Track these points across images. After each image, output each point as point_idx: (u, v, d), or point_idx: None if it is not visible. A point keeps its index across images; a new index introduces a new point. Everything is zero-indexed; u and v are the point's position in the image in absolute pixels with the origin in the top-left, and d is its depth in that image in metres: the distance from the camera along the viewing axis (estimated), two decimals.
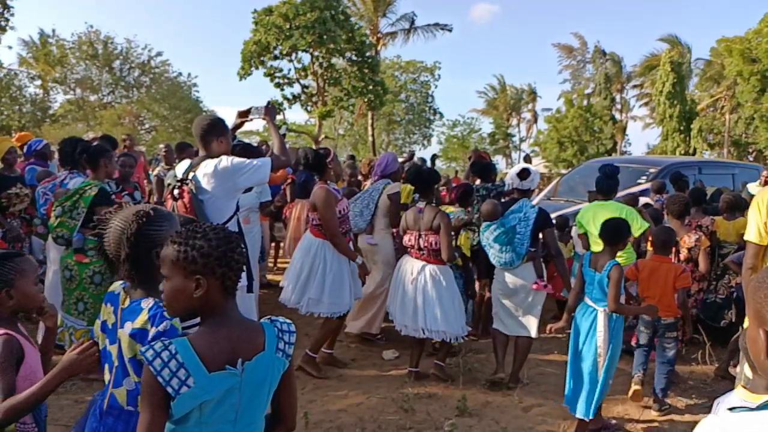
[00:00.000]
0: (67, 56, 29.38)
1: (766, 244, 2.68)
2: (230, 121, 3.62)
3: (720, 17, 62.40)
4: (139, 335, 1.66)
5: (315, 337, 4.60)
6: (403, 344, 5.11)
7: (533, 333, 4.38)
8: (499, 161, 38.15)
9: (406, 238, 4.42)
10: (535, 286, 4.30)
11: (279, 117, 3.81)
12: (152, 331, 1.63)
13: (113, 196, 4.88)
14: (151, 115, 31.30)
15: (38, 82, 29.85)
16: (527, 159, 9.33)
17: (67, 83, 30.26)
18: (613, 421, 3.83)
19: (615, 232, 3.53)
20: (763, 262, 2.72)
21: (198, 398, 1.39)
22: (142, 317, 1.67)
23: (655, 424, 3.89)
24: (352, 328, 5.22)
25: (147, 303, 1.70)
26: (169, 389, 1.38)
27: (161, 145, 7.42)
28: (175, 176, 3.47)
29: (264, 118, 3.51)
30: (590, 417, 3.46)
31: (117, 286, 1.83)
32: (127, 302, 1.75)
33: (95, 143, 5.12)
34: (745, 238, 2.76)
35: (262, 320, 1.61)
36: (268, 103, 3.56)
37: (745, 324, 2.78)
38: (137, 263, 1.73)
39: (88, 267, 4.18)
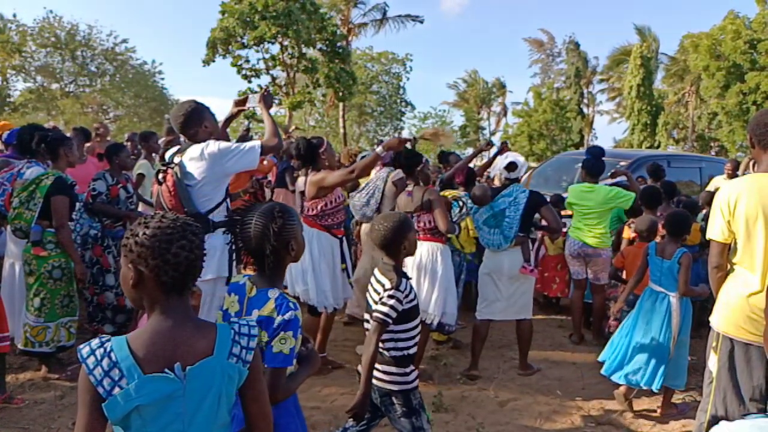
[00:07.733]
0: (26, 43, 28.26)
1: (730, 242, 2.67)
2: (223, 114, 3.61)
3: (685, 15, 63.69)
4: (265, 322, 1.76)
5: (318, 339, 4.42)
6: None
7: (529, 314, 4.49)
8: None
9: None
10: (522, 270, 4.36)
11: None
12: (278, 319, 1.76)
13: (109, 188, 4.63)
14: (115, 104, 30.49)
15: None
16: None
17: (27, 71, 29.20)
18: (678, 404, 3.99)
19: (679, 224, 3.84)
20: (726, 261, 2.71)
21: (130, 401, 1.28)
22: (269, 305, 1.79)
23: (631, 414, 3.89)
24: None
25: (274, 293, 1.83)
26: (101, 389, 1.28)
27: (126, 135, 7.18)
28: (162, 162, 3.35)
29: (258, 105, 3.50)
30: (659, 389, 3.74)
31: (240, 277, 1.97)
32: (254, 292, 1.87)
33: (53, 132, 4.88)
34: (709, 236, 2.73)
35: (220, 322, 1.50)
36: (265, 90, 3.62)
37: (711, 319, 2.78)
38: (274, 256, 1.86)
39: (47, 261, 3.95)
